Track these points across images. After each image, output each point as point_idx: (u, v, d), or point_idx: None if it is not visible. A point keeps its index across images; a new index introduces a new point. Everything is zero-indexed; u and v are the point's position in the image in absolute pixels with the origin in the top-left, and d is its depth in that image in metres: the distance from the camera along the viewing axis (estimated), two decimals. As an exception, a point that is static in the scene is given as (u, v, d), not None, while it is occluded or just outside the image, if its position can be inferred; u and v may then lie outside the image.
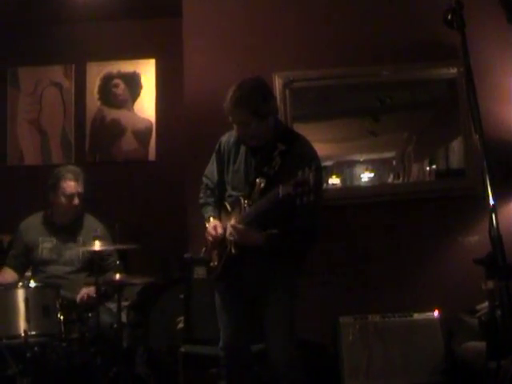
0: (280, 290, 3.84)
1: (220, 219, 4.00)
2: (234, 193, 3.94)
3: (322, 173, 3.92)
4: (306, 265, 4.00)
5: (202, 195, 4.24)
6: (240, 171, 3.93)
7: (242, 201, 3.76)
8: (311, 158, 3.75)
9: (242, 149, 3.96)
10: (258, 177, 3.74)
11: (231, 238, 3.77)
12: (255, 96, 3.75)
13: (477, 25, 4.81)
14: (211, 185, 4.18)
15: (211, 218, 4.02)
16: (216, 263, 3.99)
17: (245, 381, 4.07)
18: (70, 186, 5.07)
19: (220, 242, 3.91)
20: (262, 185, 3.66)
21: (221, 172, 4.09)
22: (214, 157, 4.17)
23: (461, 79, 5.42)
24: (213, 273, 4.04)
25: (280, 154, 3.73)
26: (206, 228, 4.02)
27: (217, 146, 4.14)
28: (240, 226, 3.71)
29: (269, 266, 3.80)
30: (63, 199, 5.08)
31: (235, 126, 3.87)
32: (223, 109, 3.80)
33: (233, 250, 3.77)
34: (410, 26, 5.60)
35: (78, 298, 4.87)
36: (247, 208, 3.72)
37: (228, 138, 4.09)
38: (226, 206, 4.00)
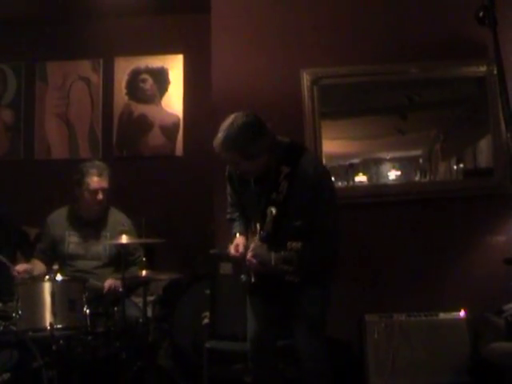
0: (310, 292, 3.83)
1: (247, 234, 3.99)
2: (250, 214, 3.98)
3: (332, 191, 3.89)
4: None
5: (228, 210, 4.24)
6: (251, 199, 3.91)
7: (258, 229, 3.78)
8: (317, 179, 3.73)
9: None
10: (268, 205, 3.69)
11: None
12: (242, 137, 3.64)
13: (507, 22, 4.77)
14: (233, 202, 4.18)
15: (237, 235, 4.02)
16: (245, 277, 3.96)
17: (270, 375, 4.07)
18: (94, 181, 5.08)
19: (244, 258, 3.87)
20: (274, 212, 3.62)
21: (236, 193, 4.10)
22: (227, 181, 4.15)
23: (490, 77, 5.39)
24: (245, 286, 4.01)
25: (286, 177, 3.68)
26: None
27: (226, 173, 4.09)
28: (254, 262, 3.70)
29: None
30: (87, 194, 5.09)
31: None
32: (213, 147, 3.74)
33: (253, 279, 3.81)
34: (439, 23, 5.57)
35: (106, 287, 4.89)
36: (262, 233, 3.73)
37: None
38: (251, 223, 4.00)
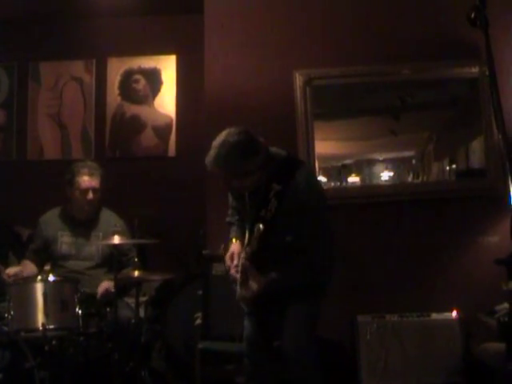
0: (302, 294, 3.82)
1: (243, 239, 3.96)
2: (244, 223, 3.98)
3: (323, 210, 3.83)
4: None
5: (229, 213, 4.21)
6: (245, 210, 3.91)
7: (245, 244, 3.80)
8: (308, 197, 3.69)
9: None
10: (256, 221, 3.67)
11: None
12: (234, 156, 3.58)
13: (499, 23, 4.79)
14: (233, 206, 4.16)
15: (234, 240, 4.01)
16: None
17: (265, 375, 4.03)
18: (85, 180, 5.07)
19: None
20: (261, 230, 3.60)
21: (235, 199, 4.09)
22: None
23: (482, 78, 5.40)
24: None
25: (276, 195, 3.64)
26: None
27: None
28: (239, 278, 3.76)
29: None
30: (78, 194, 5.08)
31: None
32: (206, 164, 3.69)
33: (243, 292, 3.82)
34: (432, 24, 5.58)
35: (99, 293, 4.87)
36: (247, 250, 3.74)
37: None
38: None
